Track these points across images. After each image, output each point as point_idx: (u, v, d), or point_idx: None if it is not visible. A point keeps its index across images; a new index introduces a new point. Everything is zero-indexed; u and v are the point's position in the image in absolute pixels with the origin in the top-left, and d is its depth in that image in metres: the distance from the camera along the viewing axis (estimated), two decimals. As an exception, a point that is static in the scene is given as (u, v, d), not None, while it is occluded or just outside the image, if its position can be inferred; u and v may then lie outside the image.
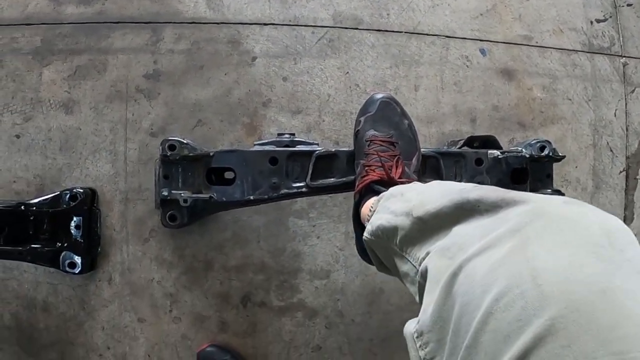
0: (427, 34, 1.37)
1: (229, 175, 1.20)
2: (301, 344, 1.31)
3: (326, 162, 1.13)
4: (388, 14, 1.37)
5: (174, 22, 1.33)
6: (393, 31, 1.36)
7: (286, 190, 1.12)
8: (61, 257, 1.22)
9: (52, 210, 1.21)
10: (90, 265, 1.26)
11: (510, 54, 1.38)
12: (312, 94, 1.33)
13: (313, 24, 1.35)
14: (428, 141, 1.34)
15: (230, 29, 1.34)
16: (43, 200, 1.22)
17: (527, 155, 1.19)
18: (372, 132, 1.06)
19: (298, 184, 1.12)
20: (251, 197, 1.11)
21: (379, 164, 1.00)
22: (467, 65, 1.37)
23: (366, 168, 1.02)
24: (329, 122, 1.32)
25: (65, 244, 1.22)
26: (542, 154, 1.20)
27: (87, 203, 1.24)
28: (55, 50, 1.32)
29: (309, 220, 1.31)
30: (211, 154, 1.14)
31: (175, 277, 1.29)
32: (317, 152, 1.12)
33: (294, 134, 1.16)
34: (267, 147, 1.13)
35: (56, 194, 1.23)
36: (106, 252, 1.29)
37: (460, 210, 0.62)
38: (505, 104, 1.38)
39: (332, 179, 1.12)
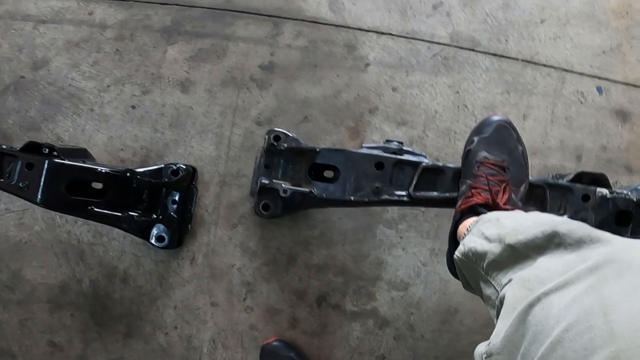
0: (544, 65, 1.35)
1: (328, 174, 1.21)
2: (366, 351, 1.29)
3: (431, 175, 1.12)
4: (506, 40, 1.36)
5: (295, 19, 1.37)
6: (509, 57, 1.35)
7: (387, 197, 1.12)
8: (153, 229, 1.26)
9: (154, 181, 1.25)
10: (178, 241, 1.29)
11: (628, 96, 1.35)
12: (419, 108, 1.33)
13: (430, 40, 1.36)
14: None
15: (348, 33, 1.36)
16: (147, 170, 1.27)
17: (635, 200, 1.15)
18: (484, 153, 1.04)
19: (400, 192, 1.12)
20: (352, 198, 1.12)
21: (486, 187, 0.99)
22: (580, 102, 1.34)
23: (472, 189, 1.01)
24: (433, 138, 1.32)
25: (160, 217, 1.26)
26: (650, 200, 1.15)
27: (187, 180, 1.27)
28: (182, 31, 1.38)
29: (397, 231, 1.30)
30: (318, 149, 1.16)
31: (255, 267, 1.31)
32: (424, 164, 1.11)
33: (402, 143, 1.16)
34: (374, 151, 1.13)
35: (160, 166, 1.27)
36: (194, 232, 1.32)
37: (549, 242, 0.66)
38: (614, 146, 1.34)
39: (435, 193, 1.12)
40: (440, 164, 1.12)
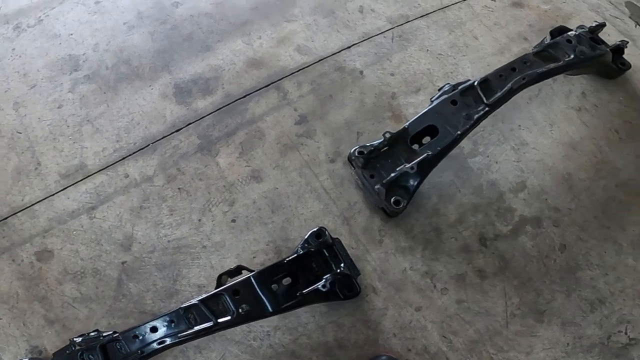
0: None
1: (425, 140, 1.40)
2: (547, 251, 1.43)
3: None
4: (419, 5, 1.73)
5: (287, 75, 1.55)
6: (439, 10, 1.72)
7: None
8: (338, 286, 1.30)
9: (324, 249, 1.30)
10: (358, 283, 1.33)
11: None
12: (417, 73, 1.60)
13: (380, 32, 1.66)
14: None
15: (329, 62, 1.59)
16: (301, 244, 1.30)
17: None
18: None
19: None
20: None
21: None
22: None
23: None
24: (441, 85, 1.60)
25: (338, 272, 1.30)
26: None
27: (328, 237, 1.31)
28: (214, 139, 1.45)
29: (482, 155, 1.52)
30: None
31: (420, 257, 1.40)
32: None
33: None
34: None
35: (304, 238, 1.30)
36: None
37: None
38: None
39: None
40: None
